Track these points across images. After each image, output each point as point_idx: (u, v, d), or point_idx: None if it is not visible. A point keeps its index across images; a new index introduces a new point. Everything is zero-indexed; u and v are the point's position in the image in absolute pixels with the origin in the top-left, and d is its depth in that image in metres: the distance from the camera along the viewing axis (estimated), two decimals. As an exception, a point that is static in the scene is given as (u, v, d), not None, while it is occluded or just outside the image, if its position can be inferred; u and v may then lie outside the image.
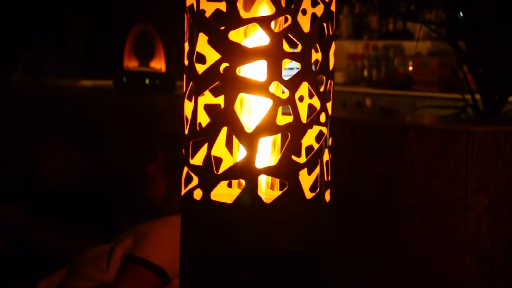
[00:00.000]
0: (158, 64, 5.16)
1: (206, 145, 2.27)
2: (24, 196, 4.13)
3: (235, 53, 2.24)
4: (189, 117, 2.32)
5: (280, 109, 2.25)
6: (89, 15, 6.45)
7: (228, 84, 2.24)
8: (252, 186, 2.25)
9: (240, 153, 2.27)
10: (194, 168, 2.30)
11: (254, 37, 2.30)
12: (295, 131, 2.26)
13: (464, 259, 3.42)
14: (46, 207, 4.05)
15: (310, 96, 2.29)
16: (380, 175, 3.63)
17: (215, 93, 2.27)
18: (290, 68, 2.28)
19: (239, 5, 2.24)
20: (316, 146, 2.30)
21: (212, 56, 2.26)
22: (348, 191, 3.60)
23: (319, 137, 2.31)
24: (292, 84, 2.25)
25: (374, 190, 3.64)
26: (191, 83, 2.31)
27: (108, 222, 3.90)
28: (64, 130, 4.27)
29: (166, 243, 3.15)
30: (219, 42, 2.25)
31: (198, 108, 2.29)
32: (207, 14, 2.27)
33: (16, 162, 4.96)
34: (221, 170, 2.26)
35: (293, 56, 2.26)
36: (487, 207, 3.40)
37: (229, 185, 2.30)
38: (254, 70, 2.26)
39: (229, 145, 2.27)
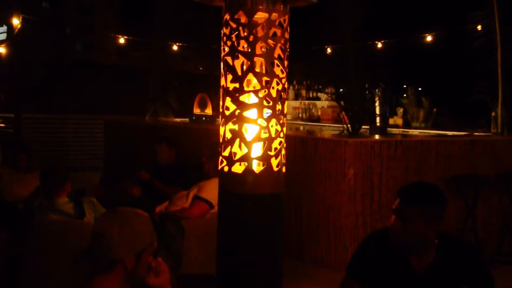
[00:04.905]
0: (209, 111, 5.15)
1: (229, 147, 2.26)
2: (150, 169, 4.10)
3: (242, 106, 2.23)
4: (222, 134, 2.30)
5: (262, 131, 2.24)
6: (178, 89, 6.30)
7: (239, 120, 2.23)
8: (250, 165, 2.24)
9: (245, 150, 2.26)
10: (224, 157, 2.28)
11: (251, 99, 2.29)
12: (269, 140, 2.25)
13: (342, 197, 3.42)
14: (160, 174, 4.02)
15: (276, 125, 2.27)
16: (306, 161, 3.62)
17: (234, 124, 2.25)
18: (266, 112, 2.27)
19: (244, 84, 2.23)
20: (279, 147, 2.28)
21: (232, 107, 2.25)
22: (292, 168, 3.59)
23: (280, 143, 2.29)
24: (268, 120, 2.24)
25: (305, 167, 3.63)
26: (223, 119, 2.30)
27: (186, 181, 3.86)
28: (168, 140, 4.24)
29: (212, 189, 3.12)
30: (235, 101, 2.24)
31: (226, 130, 2.28)
32: (230, 89, 2.26)
33: (147, 154, 4.93)
34: (236, 158, 2.24)
35: (268, 107, 2.25)
36: (353, 174, 3.40)
37: (240, 165, 2.28)
38: (251, 113, 2.24)
39: (239, 147, 2.26)
